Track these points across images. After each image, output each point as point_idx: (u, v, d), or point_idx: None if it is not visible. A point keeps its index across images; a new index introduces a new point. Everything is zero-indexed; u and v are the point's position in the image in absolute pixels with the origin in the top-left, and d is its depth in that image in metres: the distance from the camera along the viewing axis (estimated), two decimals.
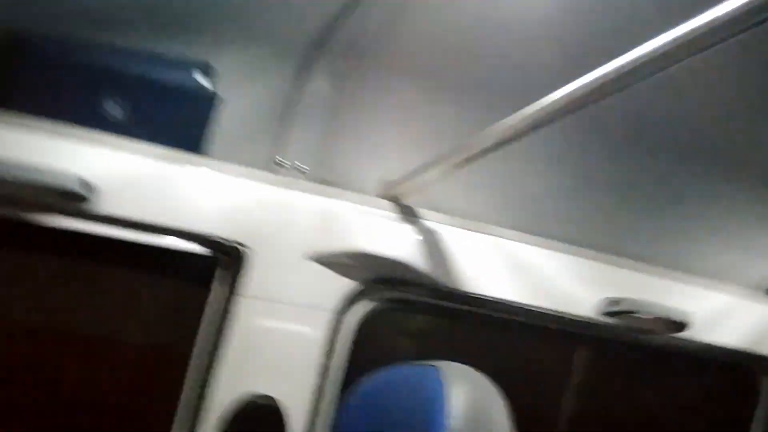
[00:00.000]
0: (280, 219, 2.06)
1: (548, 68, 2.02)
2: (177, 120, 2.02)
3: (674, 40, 1.15)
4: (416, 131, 2.23)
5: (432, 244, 2.24)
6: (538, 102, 1.48)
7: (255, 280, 2.00)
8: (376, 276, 2.18)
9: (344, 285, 2.11)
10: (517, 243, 2.35)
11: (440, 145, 2.21)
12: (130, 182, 1.93)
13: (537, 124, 1.53)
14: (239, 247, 2.01)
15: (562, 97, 1.43)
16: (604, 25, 1.81)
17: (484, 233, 2.32)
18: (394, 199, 2.23)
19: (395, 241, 2.18)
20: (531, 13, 1.86)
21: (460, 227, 2.29)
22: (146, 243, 1.96)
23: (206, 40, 2.03)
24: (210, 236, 1.99)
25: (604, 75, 1.31)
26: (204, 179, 2.01)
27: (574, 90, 1.40)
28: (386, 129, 2.21)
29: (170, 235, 1.97)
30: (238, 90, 2.11)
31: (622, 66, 1.27)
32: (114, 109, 1.94)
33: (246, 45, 2.04)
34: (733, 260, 2.64)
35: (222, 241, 2.00)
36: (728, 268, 2.64)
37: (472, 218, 2.32)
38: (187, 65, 1.99)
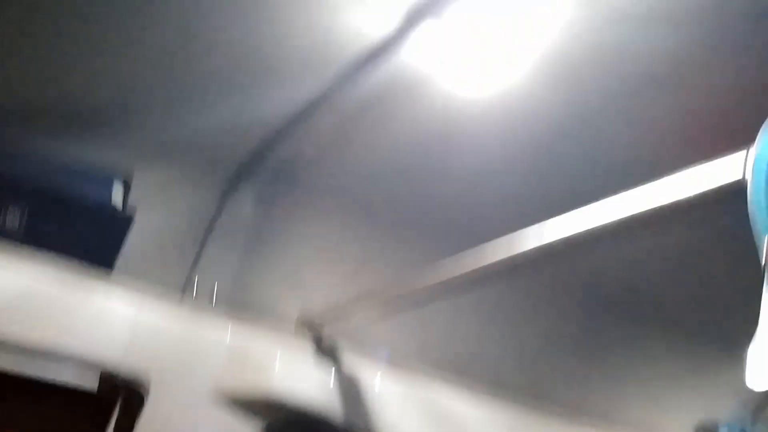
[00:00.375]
0: (187, 351, 1.87)
1: (483, 219, 1.98)
2: (85, 235, 1.85)
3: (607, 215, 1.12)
4: (341, 264, 2.12)
5: (349, 384, 2.09)
6: (468, 252, 1.40)
7: (156, 421, 1.78)
8: (287, 417, 2.00)
9: (253, 428, 1.92)
10: (438, 387, 2.23)
11: (365, 280, 2.11)
12: (20, 300, 1.72)
13: (466, 276, 1.45)
14: (139, 382, 1.80)
15: (493, 250, 1.36)
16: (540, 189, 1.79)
17: (405, 375, 2.19)
18: (313, 334, 2.08)
19: (310, 380, 2.02)
20: (473, 162, 1.82)
21: (380, 368, 2.15)
22: (30, 374, 1.73)
23: (127, 153, 1.90)
24: (107, 367, 1.78)
25: (537, 235, 1.25)
26: (107, 302, 1.82)
27: (508, 245, 1.33)
28: (309, 259, 2.10)
29: (61, 363, 1.75)
30: (155, 207, 1.97)
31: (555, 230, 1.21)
32: (13, 220, 1.76)
33: (169, 161, 1.92)
34: (661, 411, 2.59)
35: (120, 374, 1.79)
36: (656, 419, 2.58)
37: (393, 358, 2.19)
38: (102, 178, 1.84)
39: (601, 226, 1.19)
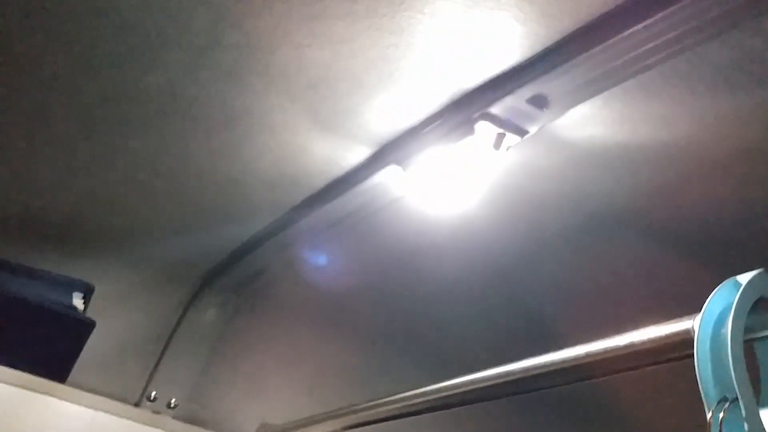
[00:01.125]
0: None
1: (447, 334, 1.98)
2: (43, 340, 1.81)
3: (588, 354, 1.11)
4: (303, 377, 2.10)
5: None
6: (441, 385, 1.39)
7: None
8: None
9: None
10: None
11: (326, 393, 2.09)
12: None
13: (441, 405, 1.44)
14: None
15: (465, 383, 1.35)
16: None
17: None
18: None
19: None
20: (438, 279, 1.83)
21: None
22: None
23: (88, 258, 1.88)
24: None
25: (511, 372, 1.25)
26: (58, 410, 1.78)
27: (481, 378, 1.32)
28: (271, 371, 2.07)
29: None
30: (115, 313, 1.94)
31: (531, 367, 1.21)
32: None
33: (131, 269, 1.91)
34: None
35: None
36: None
37: None
38: (63, 284, 1.82)
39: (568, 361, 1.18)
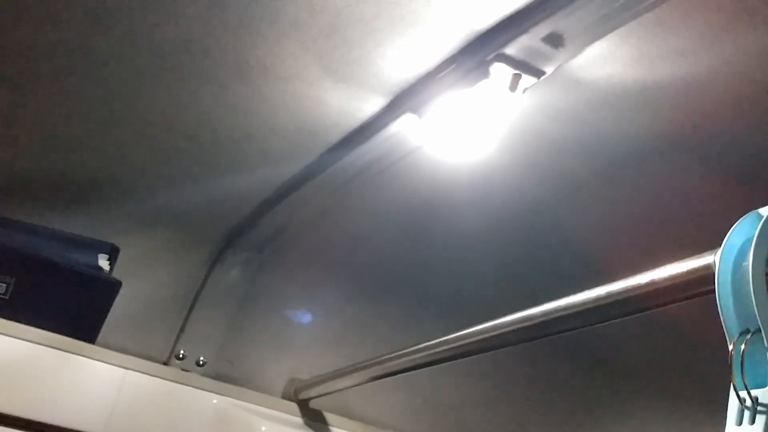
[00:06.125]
0: (173, 418, 1.85)
1: (468, 283, 1.98)
2: (71, 302, 1.84)
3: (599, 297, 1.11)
4: (329, 331, 2.11)
5: None
6: (464, 333, 1.39)
7: None
8: None
9: None
10: None
11: (352, 346, 2.10)
12: (1, 368, 1.71)
13: (462, 353, 1.44)
14: None
15: (488, 329, 1.35)
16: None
17: None
18: (300, 401, 2.06)
19: None
20: (457, 228, 1.82)
21: None
22: None
23: (112, 219, 1.90)
24: None
25: (532, 316, 1.24)
26: (91, 371, 1.81)
27: (503, 323, 1.32)
28: (297, 326, 2.09)
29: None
30: (141, 273, 1.97)
31: (552, 311, 1.20)
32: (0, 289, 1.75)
33: (154, 228, 1.93)
34: None
35: None
36: None
37: (381, 425, 2.16)
38: (88, 245, 1.84)
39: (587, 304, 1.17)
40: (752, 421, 0.79)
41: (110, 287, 1.85)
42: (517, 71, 1.24)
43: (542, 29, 1.16)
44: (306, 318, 2.06)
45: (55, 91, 1.51)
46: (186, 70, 1.40)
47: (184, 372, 1.96)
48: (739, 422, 0.80)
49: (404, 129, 1.47)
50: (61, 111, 1.56)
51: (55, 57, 1.40)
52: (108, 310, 1.87)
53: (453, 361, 1.87)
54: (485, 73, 1.24)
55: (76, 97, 1.52)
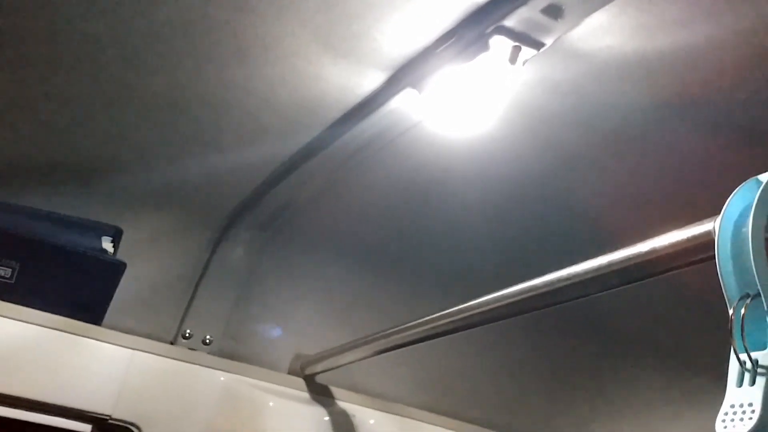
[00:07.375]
0: (180, 396, 1.87)
1: (471, 256, 2.00)
2: (76, 284, 1.85)
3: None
4: (334, 306, 2.13)
5: (343, 426, 2.09)
6: (467, 305, 1.40)
7: None
8: None
9: None
10: (433, 428, 2.22)
11: (358, 321, 2.12)
12: (9, 352, 1.73)
13: (465, 325, 1.46)
14: (130, 428, 1.80)
15: (490, 301, 1.37)
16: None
17: (399, 415, 2.18)
18: (306, 377, 2.08)
19: (304, 422, 2.02)
20: (459, 201, 1.83)
21: (374, 408, 2.15)
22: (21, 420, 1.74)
23: (115, 202, 1.91)
24: (96, 415, 1.78)
25: (534, 287, 1.26)
26: (97, 351, 1.82)
27: (505, 295, 1.33)
28: (302, 302, 2.10)
29: (49, 413, 1.75)
30: (146, 254, 1.98)
31: (554, 281, 1.22)
32: (6, 273, 1.77)
33: (158, 209, 1.94)
34: None
35: (110, 420, 1.79)
36: None
37: (386, 398, 2.19)
38: (92, 228, 1.85)
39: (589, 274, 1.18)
40: (752, 382, 0.80)
41: (115, 269, 1.86)
42: (516, 43, 1.24)
43: (541, 0, 1.16)
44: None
45: (54, 75, 1.51)
46: (184, 51, 1.40)
47: (190, 351, 1.98)
48: (740, 384, 0.81)
49: (404, 104, 1.47)
50: (61, 95, 1.56)
51: (53, 41, 1.40)
52: (113, 292, 1.88)
53: (457, 333, 1.89)
54: (485, 46, 1.25)
55: (76, 80, 1.52)
